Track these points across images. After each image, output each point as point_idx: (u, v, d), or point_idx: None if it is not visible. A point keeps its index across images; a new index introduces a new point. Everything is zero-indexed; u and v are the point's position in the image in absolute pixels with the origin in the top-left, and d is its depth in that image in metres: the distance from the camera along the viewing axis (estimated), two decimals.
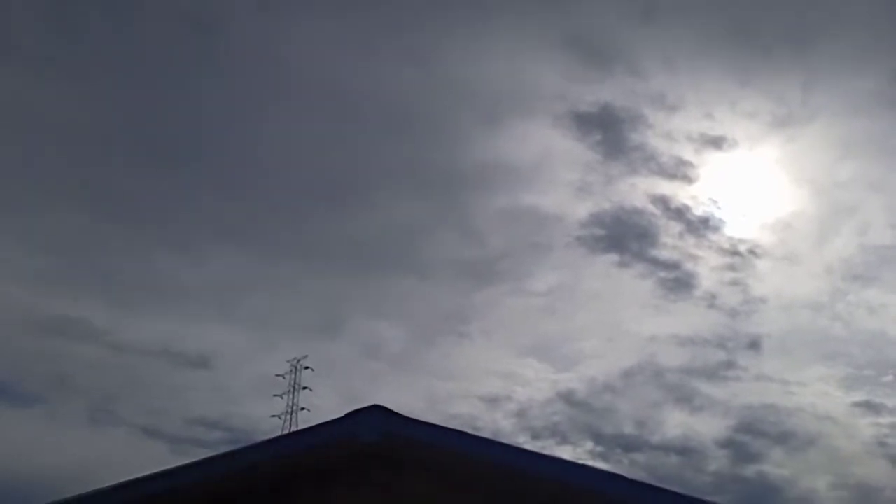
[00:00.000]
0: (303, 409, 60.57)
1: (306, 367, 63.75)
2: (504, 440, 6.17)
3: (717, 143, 41.33)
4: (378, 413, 5.89)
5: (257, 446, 6.11)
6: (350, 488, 6.23)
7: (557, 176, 45.52)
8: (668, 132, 39.09)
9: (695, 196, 43.60)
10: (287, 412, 60.16)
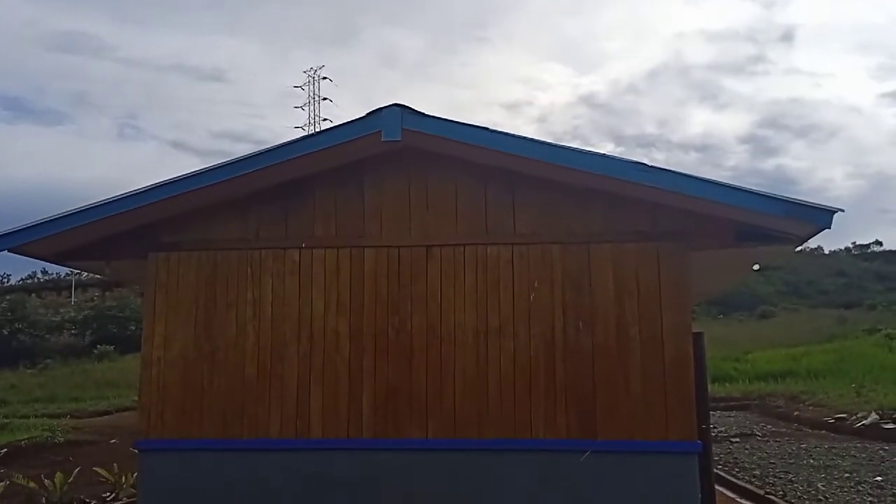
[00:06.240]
0: (325, 119, 60.83)
1: (324, 78, 62.71)
2: None
3: None
4: (399, 111, 6.12)
5: (289, 143, 6.42)
6: (375, 183, 6.72)
7: None
8: None
9: None
10: (309, 123, 60.72)
